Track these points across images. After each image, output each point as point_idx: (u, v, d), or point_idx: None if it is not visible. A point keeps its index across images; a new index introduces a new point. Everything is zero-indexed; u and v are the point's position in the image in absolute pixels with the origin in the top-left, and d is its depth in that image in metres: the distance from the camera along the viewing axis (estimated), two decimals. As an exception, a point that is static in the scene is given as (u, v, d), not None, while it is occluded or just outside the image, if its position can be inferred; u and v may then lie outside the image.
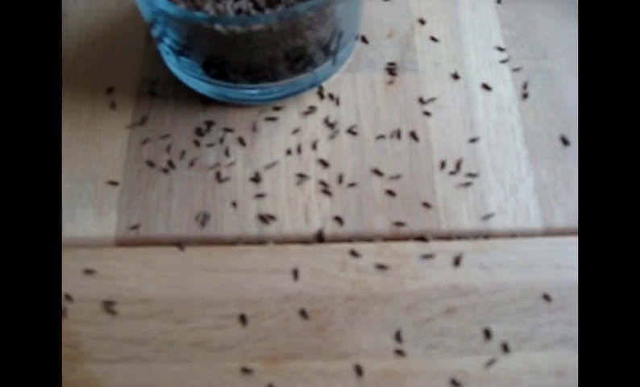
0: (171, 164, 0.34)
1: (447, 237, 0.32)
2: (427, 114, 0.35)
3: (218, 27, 0.31)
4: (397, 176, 0.33)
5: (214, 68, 0.34)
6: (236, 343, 0.29)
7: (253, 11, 0.31)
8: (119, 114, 0.36)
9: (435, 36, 0.39)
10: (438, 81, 0.37)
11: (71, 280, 0.31)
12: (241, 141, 0.35)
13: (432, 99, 0.36)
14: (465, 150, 0.34)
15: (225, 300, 0.30)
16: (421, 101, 0.36)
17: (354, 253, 0.31)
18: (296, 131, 0.35)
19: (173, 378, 0.28)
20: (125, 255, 0.31)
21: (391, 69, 0.37)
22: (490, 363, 0.28)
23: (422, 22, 0.39)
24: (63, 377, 0.28)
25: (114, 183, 0.33)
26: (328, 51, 0.34)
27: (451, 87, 0.36)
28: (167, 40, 0.34)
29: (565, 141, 0.34)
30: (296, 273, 0.31)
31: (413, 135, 0.35)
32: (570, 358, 0.28)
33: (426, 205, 0.32)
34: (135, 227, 0.32)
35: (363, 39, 0.38)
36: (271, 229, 0.32)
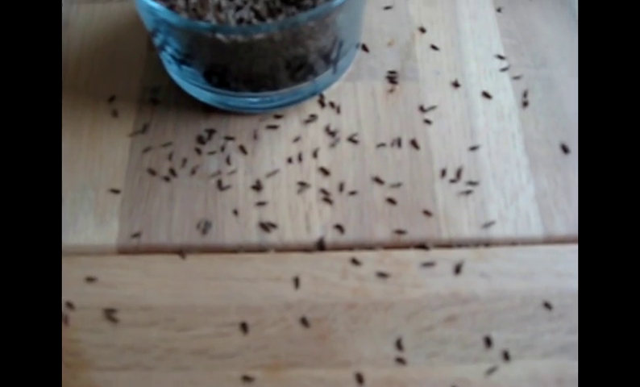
0: (172, 172, 0.34)
1: (448, 245, 0.32)
2: (428, 122, 0.36)
3: (219, 36, 0.31)
4: (398, 185, 0.33)
5: (216, 76, 0.34)
6: (237, 351, 0.29)
7: (255, 21, 0.32)
8: (121, 122, 0.36)
9: (436, 45, 0.39)
10: (438, 90, 0.37)
11: (72, 288, 0.31)
12: (242, 149, 0.35)
13: (432, 107, 0.36)
14: (465, 158, 0.34)
15: (226, 308, 0.30)
16: (422, 109, 0.36)
17: (355, 261, 0.31)
18: (297, 140, 0.35)
19: (174, 386, 0.28)
20: (126, 263, 0.31)
21: (391, 78, 0.37)
22: (491, 371, 0.28)
23: (423, 30, 0.39)
24: (64, 385, 0.28)
25: (115, 191, 0.33)
26: (329, 59, 0.34)
27: (452, 95, 0.37)
28: (169, 49, 0.34)
29: (565, 149, 0.35)
30: (297, 281, 0.31)
31: (414, 144, 0.35)
32: (570, 366, 0.28)
33: (427, 213, 0.32)
34: (137, 235, 0.32)
35: (364, 48, 0.38)
36: (272, 237, 0.32)
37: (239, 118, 0.36)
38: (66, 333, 0.30)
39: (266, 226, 0.32)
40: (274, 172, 0.34)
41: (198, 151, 0.35)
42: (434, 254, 0.31)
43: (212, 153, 0.35)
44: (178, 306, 0.30)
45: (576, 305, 0.30)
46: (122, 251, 0.32)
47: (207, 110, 0.36)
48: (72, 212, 0.33)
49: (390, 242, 0.32)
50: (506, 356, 0.29)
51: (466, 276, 0.31)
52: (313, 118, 0.36)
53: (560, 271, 0.31)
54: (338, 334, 0.29)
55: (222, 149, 0.35)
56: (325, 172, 0.34)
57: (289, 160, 0.34)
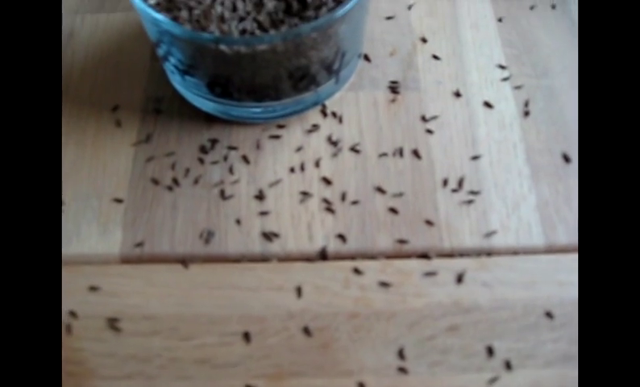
0: (175, 181, 0.34)
1: (450, 254, 0.32)
2: (429, 131, 0.36)
3: (222, 47, 0.31)
4: (400, 194, 0.33)
5: (219, 87, 0.34)
6: (240, 360, 0.29)
7: (257, 32, 0.32)
8: (124, 132, 0.36)
9: (437, 55, 0.39)
10: (440, 99, 0.37)
11: (76, 297, 0.31)
12: (245, 159, 0.35)
13: (434, 117, 0.36)
14: (467, 167, 0.34)
15: (229, 317, 0.30)
16: (424, 119, 0.36)
17: (357, 271, 0.31)
18: (299, 149, 0.35)
19: (177, 395, 0.28)
20: (130, 272, 0.32)
21: (393, 87, 0.37)
22: (493, 380, 0.28)
23: (424, 40, 0.40)
24: (67, 394, 0.28)
25: (118, 200, 0.34)
26: (331, 70, 0.35)
27: (453, 105, 0.37)
28: (172, 60, 0.34)
29: (566, 158, 0.35)
30: (299, 291, 0.31)
31: (416, 153, 0.35)
32: (572, 375, 0.28)
33: (429, 222, 0.33)
34: (140, 244, 0.32)
35: (366, 58, 0.39)
36: (274, 246, 0.32)
37: (242, 127, 0.36)
38: (69, 342, 0.30)
39: (268, 236, 0.32)
40: (277, 182, 0.34)
41: (201, 160, 0.35)
42: (436, 263, 0.31)
43: (215, 163, 0.35)
44: (181, 316, 0.30)
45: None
46: (126, 260, 0.32)
47: (210, 119, 0.36)
48: (75, 221, 0.33)
49: (392, 251, 0.32)
50: (508, 366, 0.29)
51: (468, 285, 0.31)
52: (315, 127, 0.36)
53: (562, 280, 0.31)
54: (340, 343, 0.29)
55: (225, 159, 0.35)
56: (327, 181, 0.34)
57: (292, 170, 0.34)
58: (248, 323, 0.30)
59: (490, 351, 0.29)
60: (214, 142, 0.35)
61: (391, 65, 0.38)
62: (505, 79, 0.38)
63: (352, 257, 0.32)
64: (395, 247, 0.32)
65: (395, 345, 0.29)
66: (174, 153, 0.35)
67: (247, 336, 0.30)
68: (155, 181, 0.34)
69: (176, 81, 0.36)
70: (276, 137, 0.36)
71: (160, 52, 0.35)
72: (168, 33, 0.32)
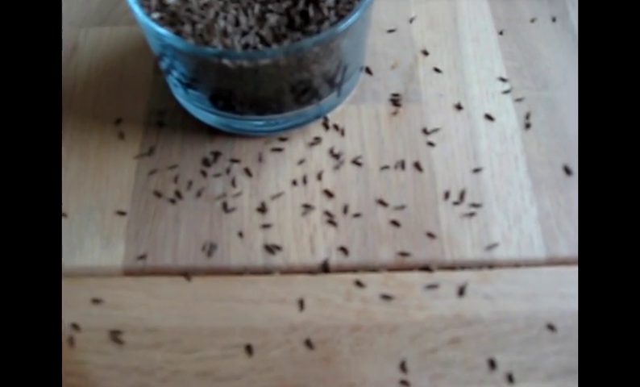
0: (178, 194, 0.34)
1: (452, 267, 0.32)
2: (431, 144, 0.36)
3: (225, 61, 0.31)
4: (402, 207, 0.34)
5: (221, 100, 0.34)
6: (242, 373, 0.29)
7: (260, 46, 0.32)
8: (127, 145, 0.36)
9: (438, 67, 0.39)
10: (441, 112, 0.37)
11: (78, 309, 0.31)
12: (247, 172, 0.35)
13: (436, 130, 0.36)
14: (469, 180, 0.34)
15: (231, 330, 0.30)
16: (425, 131, 0.36)
17: (359, 283, 0.31)
18: (301, 162, 0.35)
19: (180, 408, 0.28)
20: (132, 284, 0.32)
21: (395, 100, 0.38)
22: (495, 393, 0.28)
23: (426, 53, 0.40)
24: (70, 407, 0.28)
25: (121, 213, 0.34)
26: (333, 83, 0.35)
27: (455, 118, 0.37)
28: (175, 73, 0.34)
29: (568, 171, 0.35)
30: (301, 303, 0.31)
31: (417, 166, 0.35)
32: (574, 389, 0.28)
33: (431, 235, 0.33)
34: (143, 257, 0.32)
35: (368, 71, 0.39)
36: (277, 259, 0.32)
37: (244, 140, 0.36)
38: (72, 355, 0.30)
39: (271, 249, 0.32)
40: (279, 195, 0.34)
41: (204, 173, 0.35)
42: (437, 276, 0.32)
43: (217, 175, 0.35)
44: (183, 328, 0.30)
45: (580, 327, 0.30)
46: (128, 272, 0.32)
47: (212, 132, 0.36)
48: (78, 234, 0.33)
49: (394, 264, 0.32)
50: (510, 379, 0.29)
51: (470, 298, 0.31)
52: (317, 140, 0.36)
53: (563, 292, 0.31)
54: (342, 356, 0.29)
55: (228, 171, 0.35)
56: (329, 194, 0.34)
57: (294, 183, 0.35)
58: (251, 336, 0.30)
59: (492, 364, 0.29)
60: (216, 155, 0.36)
61: (392, 78, 0.39)
62: (506, 92, 0.38)
63: (354, 270, 0.32)
64: (397, 259, 0.32)
65: (397, 358, 0.29)
66: (177, 166, 0.35)
67: (249, 349, 0.30)
68: (158, 194, 0.34)
69: (178, 94, 0.37)
70: (279, 150, 0.36)
71: (163, 65, 0.35)
72: (171, 47, 0.32)
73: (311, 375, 0.29)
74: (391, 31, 0.41)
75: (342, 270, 0.32)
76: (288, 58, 0.31)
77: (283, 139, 0.36)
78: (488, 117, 0.37)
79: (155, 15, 0.33)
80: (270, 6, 0.33)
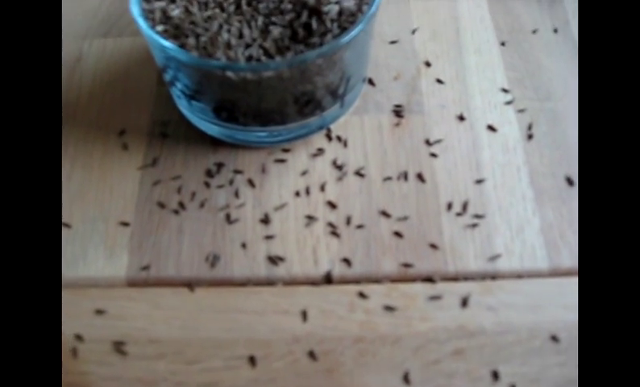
0: (181, 205, 0.34)
1: (454, 278, 0.32)
2: (434, 155, 0.36)
3: (229, 73, 0.31)
4: (405, 218, 0.34)
5: (225, 111, 0.34)
6: (246, 384, 0.29)
7: (264, 58, 0.32)
8: (131, 156, 0.37)
9: (441, 78, 0.39)
10: (444, 123, 0.37)
11: (82, 320, 0.31)
12: (250, 183, 0.35)
13: (438, 141, 0.36)
14: (471, 191, 0.35)
15: (234, 341, 0.30)
16: (428, 142, 0.36)
17: (362, 295, 0.31)
18: (304, 173, 0.35)
19: (183, 420, 0.28)
20: (136, 295, 0.32)
21: (397, 111, 0.38)
22: (498, 405, 0.28)
23: (428, 64, 0.40)
24: (73, 419, 0.28)
25: (125, 224, 0.34)
26: (336, 95, 0.35)
27: (457, 129, 0.37)
28: (178, 85, 0.35)
29: (570, 181, 0.35)
30: (305, 315, 0.31)
31: (420, 177, 0.35)
32: (578, 400, 0.28)
33: (433, 246, 0.33)
34: (146, 268, 0.32)
35: (370, 82, 0.39)
36: (280, 270, 0.32)
37: (248, 151, 0.36)
38: (75, 366, 0.30)
39: (274, 260, 0.32)
40: (282, 206, 0.34)
41: (207, 184, 0.35)
42: (440, 287, 0.32)
43: (221, 187, 0.35)
44: (187, 339, 0.30)
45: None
46: (132, 283, 0.32)
47: (216, 143, 0.37)
48: (82, 244, 0.33)
49: (397, 275, 0.32)
50: (514, 390, 0.29)
51: (472, 309, 0.31)
52: (320, 151, 0.36)
53: (567, 303, 0.31)
54: (345, 367, 0.29)
55: (231, 183, 0.35)
56: (332, 205, 0.34)
57: (297, 194, 0.35)
58: (254, 347, 0.30)
59: (495, 376, 0.29)
60: (219, 166, 0.36)
61: (395, 89, 0.39)
62: (509, 102, 0.38)
63: (357, 281, 0.32)
64: (400, 270, 0.32)
65: (400, 369, 0.29)
66: (180, 177, 0.35)
67: (252, 360, 0.30)
68: (162, 205, 0.35)
69: (182, 105, 0.37)
70: (282, 161, 0.36)
71: (167, 77, 0.35)
72: (175, 59, 0.32)
73: (314, 386, 0.29)
74: (393, 42, 0.41)
75: (345, 281, 0.32)
76: (291, 70, 0.32)
77: (286, 150, 0.36)
78: (491, 128, 0.37)
79: (160, 28, 0.33)
80: (273, 19, 0.34)
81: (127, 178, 0.36)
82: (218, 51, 0.32)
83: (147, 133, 0.37)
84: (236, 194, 0.35)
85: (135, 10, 0.34)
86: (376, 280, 0.32)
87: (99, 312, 0.31)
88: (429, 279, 0.32)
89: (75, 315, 0.31)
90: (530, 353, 0.30)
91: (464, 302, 0.31)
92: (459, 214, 0.34)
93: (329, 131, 0.37)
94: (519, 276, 0.32)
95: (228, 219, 0.34)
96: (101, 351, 0.30)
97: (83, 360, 0.30)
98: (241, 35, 0.33)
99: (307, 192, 0.35)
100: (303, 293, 0.31)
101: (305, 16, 0.33)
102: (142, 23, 0.33)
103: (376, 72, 0.39)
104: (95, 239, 0.33)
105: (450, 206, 0.34)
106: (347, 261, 0.32)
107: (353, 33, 0.32)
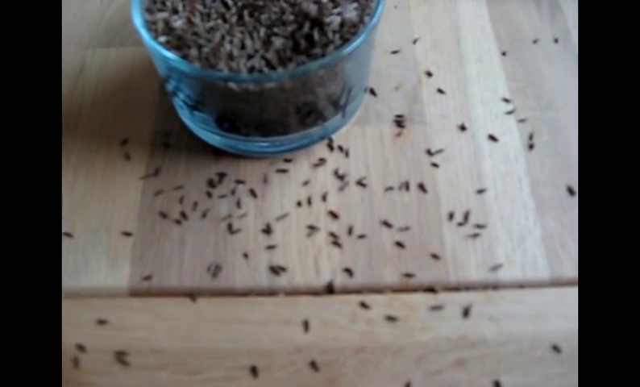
0: (183, 215, 0.35)
1: (456, 288, 0.32)
2: (435, 165, 0.36)
3: (231, 84, 0.31)
4: (406, 228, 0.34)
5: (227, 122, 0.35)
6: (247, 394, 0.29)
7: (266, 69, 0.32)
8: (133, 166, 0.37)
9: (442, 88, 0.39)
10: (445, 133, 0.37)
11: (84, 330, 0.31)
12: (252, 193, 0.35)
13: (440, 151, 0.37)
14: (473, 201, 0.35)
15: (236, 351, 0.30)
16: (429, 152, 0.37)
17: (364, 305, 0.31)
18: (306, 183, 0.36)
19: (185, 430, 0.28)
20: (138, 305, 0.32)
21: (399, 121, 0.38)
22: (500, 416, 0.28)
23: (429, 74, 0.40)
24: (75, 429, 0.28)
25: (127, 234, 0.34)
26: (338, 105, 0.35)
27: (458, 138, 0.37)
28: (181, 95, 0.35)
29: (571, 191, 0.35)
30: (306, 325, 0.31)
31: (422, 187, 0.35)
32: (580, 411, 0.28)
33: (435, 256, 0.33)
34: (148, 278, 0.32)
35: (372, 92, 0.39)
36: (282, 280, 0.32)
37: (250, 161, 0.36)
38: (77, 376, 0.30)
39: (276, 270, 0.32)
40: (284, 216, 0.34)
41: (209, 194, 0.35)
42: (442, 297, 0.32)
43: (222, 197, 0.35)
44: (189, 349, 0.30)
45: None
46: (134, 293, 0.32)
47: (218, 153, 0.37)
48: (84, 254, 0.33)
49: (399, 285, 0.32)
50: (515, 401, 0.29)
51: (474, 319, 0.31)
52: (322, 161, 0.36)
53: (568, 313, 0.31)
54: (347, 378, 0.29)
55: (233, 193, 0.35)
56: (334, 215, 0.34)
57: (299, 204, 0.35)
58: (256, 357, 0.30)
59: (497, 386, 0.29)
60: (221, 176, 0.36)
61: (396, 99, 0.39)
62: (510, 112, 0.38)
63: (359, 291, 0.32)
64: (401, 280, 0.32)
65: (402, 380, 0.29)
66: (182, 187, 0.36)
67: (254, 370, 0.30)
68: (164, 215, 0.35)
69: (184, 115, 0.37)
70: (283, 171, 0.36)
71: (169, 87, 0.36)
72: (177, 70, 0.32)
73: (316, 397, 0.29)
74: (395, 52, 0.41)
75: (346, 291, 0.32)
76: (293, 81, 0.32)
77: (288, 161, 0.36)
78: (492, 137, 0.37)
79: (162, 39, 0.33)
80: (275, 30, 0.34)
81: (130, 188, 0.36)
82: (221, 62, 0.32)
83: (149, 143, 0.37)
84: (238, 204, 0.35)
85: (138, 21, 0.34)
86: (378, 291, 0.32)
87: (101, 322, 0.31)
88: (430, 289, 0.32)
89: (77, 325, 0.31)
90: (532, 363, 0.30)
91: (466, 312, 0.31)
92: (460, 224, 0.34)
93: (330, 141, 0.37)
94: (520, 285, 0.32)
95: (230, 229, 0.34)
96: (103, 361, 0.30)
97: (85, 371, 0.30)
98: (243, 46, 0.33)
99: (309, 202, 0.35)
100: (305, 304, 0.32)
101: (307, 27, 0.33)
102: (144, 34, 0.33)
103: (378, 82, 0.40)
104: (97, 248, 0.34)
105: (451, 216, 0.34)
106: (348, 271, 0.32)
107: (355, 44, 0.32)
